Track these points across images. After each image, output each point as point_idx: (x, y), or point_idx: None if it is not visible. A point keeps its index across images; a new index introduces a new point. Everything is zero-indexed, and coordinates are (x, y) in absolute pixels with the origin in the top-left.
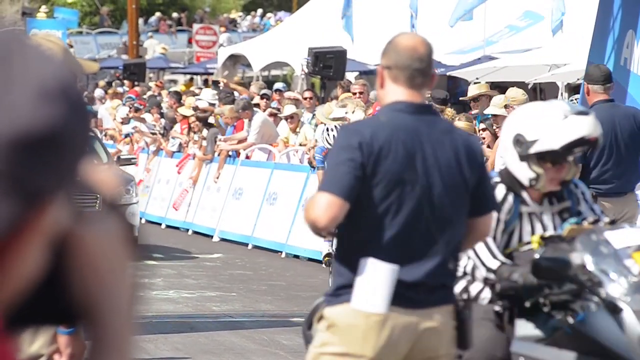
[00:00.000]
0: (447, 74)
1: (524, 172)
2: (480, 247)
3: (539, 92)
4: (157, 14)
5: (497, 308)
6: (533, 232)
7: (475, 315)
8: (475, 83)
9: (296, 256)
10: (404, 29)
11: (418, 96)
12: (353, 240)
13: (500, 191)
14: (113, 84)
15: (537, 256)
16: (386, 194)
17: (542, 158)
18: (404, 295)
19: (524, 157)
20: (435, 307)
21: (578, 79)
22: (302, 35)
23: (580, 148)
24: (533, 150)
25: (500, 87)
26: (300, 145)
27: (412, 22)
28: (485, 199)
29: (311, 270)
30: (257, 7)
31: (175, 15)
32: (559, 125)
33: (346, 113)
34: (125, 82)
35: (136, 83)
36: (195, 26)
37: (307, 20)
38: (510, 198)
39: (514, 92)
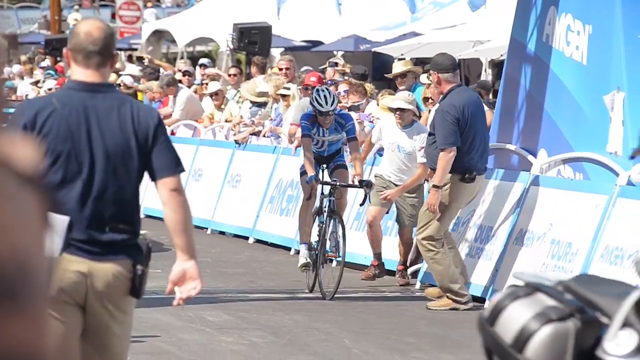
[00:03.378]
0: (372, 50)
1: None
2: None
3: (464, 67)
4: None
5: None
6: None
7: None
8: (399, 60)
9: (222, 232)
10: (330, 5)
11: (95, 75)
12: None
13: None
14: (36, 59)
15: None
16: (53, 163)
17: None
18: (80, 248)
19: None
20: (108, 260)
21: (501, 55)
22: (227, 11)
23: None
24: None
25: (425, 63)
26: (226, 121)
27: None
28: (159, 164)
29: (237, 247)
30: None
31: None
32: None
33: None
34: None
35: (59, 59)
36: (119, 1)
37: None
38: None
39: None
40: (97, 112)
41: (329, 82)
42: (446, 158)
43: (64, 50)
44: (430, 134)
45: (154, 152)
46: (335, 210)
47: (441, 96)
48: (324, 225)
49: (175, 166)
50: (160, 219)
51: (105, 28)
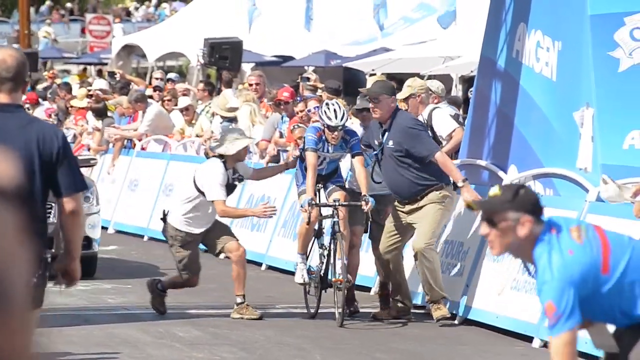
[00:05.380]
0: (343, 65)
1: None
2: None
3: None
4: (48, 2)
5: None
6: None
7: None
8: (372, 75)
9: None
10: (300, 20)
11: (5, 98)
12: None
13: None
14: None
15: None
16: None
17: None
18: None
19: None
20: None
21: (472, 71)
22: (197, 26)
23: None
24: None
25: (395, 79)
26: (197, 136)
27: (309, 13)
28: (63, 182)
29: (208, 262)
30: None
31: (68, 4)
32: None
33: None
34: None
35: (28, 73)
36: (89, 16)
37: (203, 11)
38: None
39: (418, 82)
40: (6, 130)
41: (298, 98)
42: (445, 156)
43: None
44: (401, 163)
45: (57, 172)
46: (339, 231)
47: (391, 117)
48: (327, 249)
49: (75, 187)
50: (130, 234)
51: (18, 56)
